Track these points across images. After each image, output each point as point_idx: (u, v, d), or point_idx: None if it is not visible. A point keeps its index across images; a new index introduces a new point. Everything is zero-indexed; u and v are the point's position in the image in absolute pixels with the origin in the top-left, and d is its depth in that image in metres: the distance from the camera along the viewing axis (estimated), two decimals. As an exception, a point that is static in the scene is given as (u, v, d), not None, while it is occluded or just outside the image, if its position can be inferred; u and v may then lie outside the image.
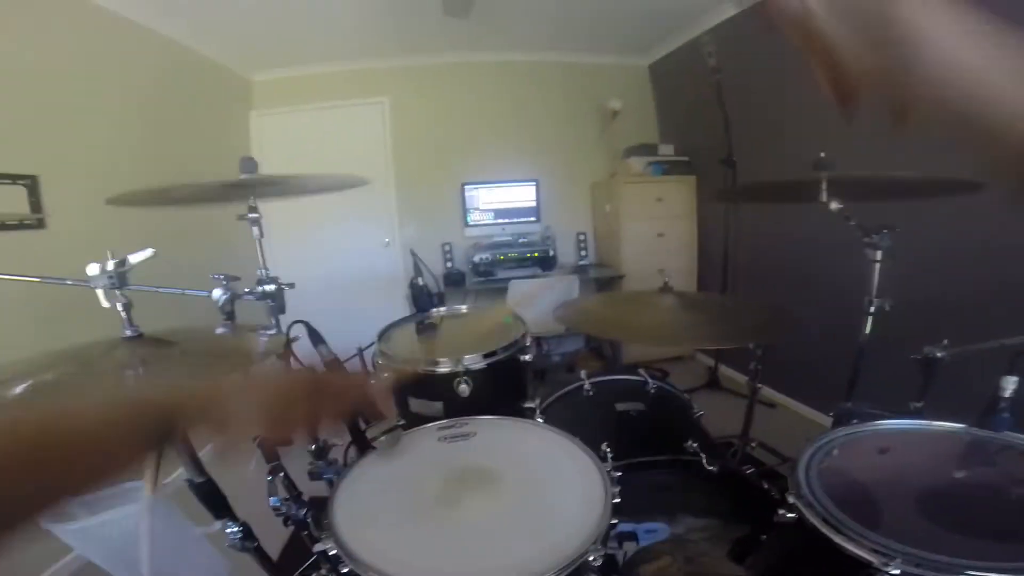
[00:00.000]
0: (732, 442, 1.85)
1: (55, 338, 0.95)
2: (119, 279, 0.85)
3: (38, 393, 0.79)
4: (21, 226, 1.91)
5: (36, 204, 1.94)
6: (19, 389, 0.78)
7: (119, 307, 0.85)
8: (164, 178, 1.29)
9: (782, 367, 2.63)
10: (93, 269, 0.85)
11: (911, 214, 1.37)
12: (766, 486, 1.27)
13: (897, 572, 0.67)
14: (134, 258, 0.87)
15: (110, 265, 0.85)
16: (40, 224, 1.97)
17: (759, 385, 1.67)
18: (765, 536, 1.11)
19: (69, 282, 0.98)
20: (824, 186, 1.31)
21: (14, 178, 1.87)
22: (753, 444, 1.71)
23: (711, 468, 1.19)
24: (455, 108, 3.96)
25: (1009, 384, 0.98)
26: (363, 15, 3.02)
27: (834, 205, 1.34)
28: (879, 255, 1.38)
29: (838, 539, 0.74)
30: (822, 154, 1.39)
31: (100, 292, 0.85)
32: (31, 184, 1.92)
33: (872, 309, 1.44)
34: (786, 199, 2.12)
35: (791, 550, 0.94)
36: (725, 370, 3.33)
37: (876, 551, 0.69)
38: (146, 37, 2.66)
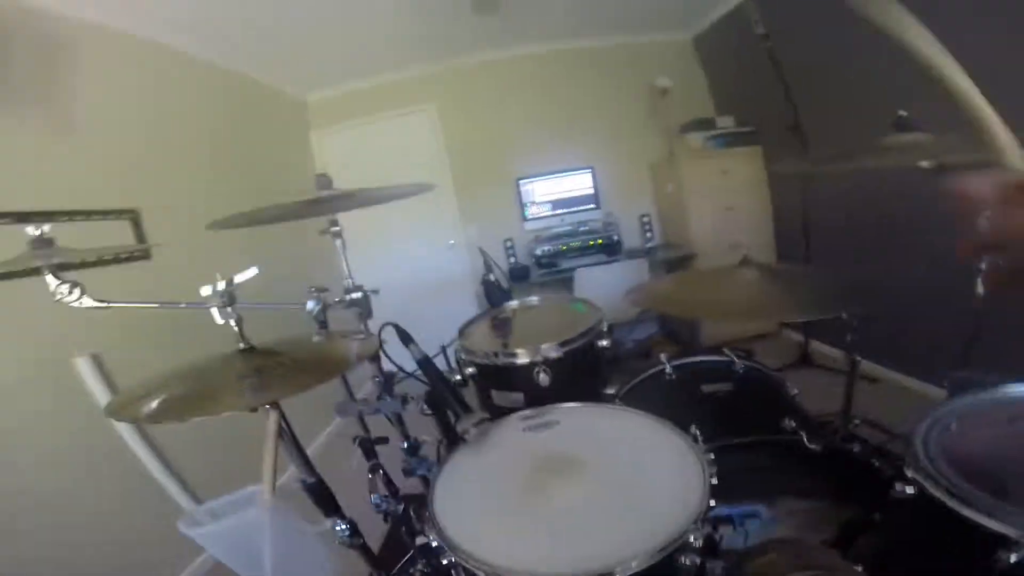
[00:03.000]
0: (831, 420, 1.74)
1: (173, 358, 1.07)
2: (229, 297, 0.94)
3: (172, 405, 0.89)
4: (131, 258, 2.14)
5: (140, 236, 2.17)
6: (155, 404, 0.88)
7: (232, 323, 0.94)
8: (245, 201, 1.41)
9: (883, 338, 2.43)
10: (206, 290, 0.94)
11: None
12: (876, 463, 1.18)
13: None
14: (239, 278, 0.96)
15: (220, 285, 0.94)
16: (146, 255, 2.20)
17: (858, 358, 1.55)
18: (877, 516, 1.05)
19: (183, 305, 1.10)
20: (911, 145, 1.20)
21: (119, 213, 2.11)
22: (856, 421, 1.60)
23: (813, 447, 1.13)
24: (500, 104, 3.99)
25: None
26: (397, 26, 3.12)
27: (923, 163, 1.23)
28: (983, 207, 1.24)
29: (967, 512, 0.68)
30: (901, 112, 1.28)
31: (215, 311, 0.94)
32: (134, 217, 2.16)
33: (983, 266, 1.30)
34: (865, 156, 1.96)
35: (908, 530, 0.88)
36: (817, 346, 3.13)
37: (1013, 524, 0.64)
38: (210, 72, 2.88)
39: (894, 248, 2.54)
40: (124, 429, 1.92)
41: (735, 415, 1.36)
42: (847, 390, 1.40)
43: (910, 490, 0.79)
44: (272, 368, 0.94)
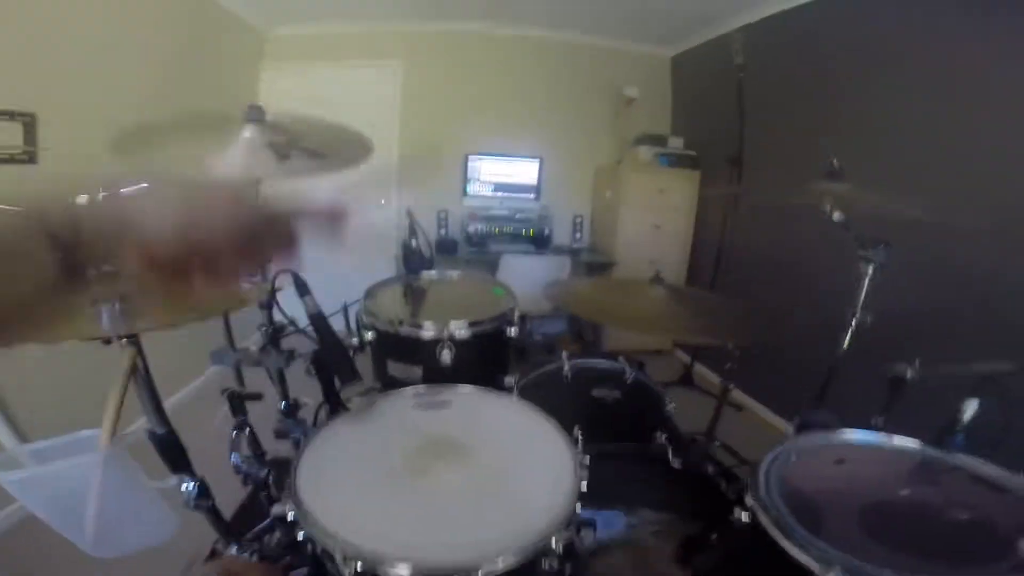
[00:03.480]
0: (697, 439, 1.90)
1: None
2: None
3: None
4: (12, 160, 1.88)
5: (31, 140, 1.91)
6: None
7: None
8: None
9: (755, 371, 2.66)
10: (81, 199, 0.82)
11: (902, 231, 1.38)
12: (723, 486, 1.30)
13: (836, 579, 0.70)
14: (127, 192, 0.84)
15: (100, 196, 0.82)
16: (31, 159, 1.93)
17: (731, 386, 1.70)
18: (714, 535, 1.15)
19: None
20: (830, 199, 1.31)
21: (12, 115, 1.85)
22: (717, 443, 1.75)
23: (675, 464, 1.22)
24: (467, 77, 3.90)
25: (969, 407, 1.01)
26: None
27: (837, 215, 1.35)
28: (871, 269, 1.39)
29: (785, 543, 0.76)
30: (835, 161, 1.39)
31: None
32: (29, 121, 1.90)
33: (854, 322, 1.46)
34: (789, 200, 2.13)
35: (737, 552, 0.98)
36: (700, 369, 3.38)
37: (818, 558, 0.72)
38: None
39: (786, 289, 2.79)
40: None
41: (617, 422, 1.43)
42: (715, 413, 1.53)
43: (746, 517, 0.87)
44: (139, 296, 0.84)
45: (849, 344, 1.50)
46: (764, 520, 0.81)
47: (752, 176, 2.98)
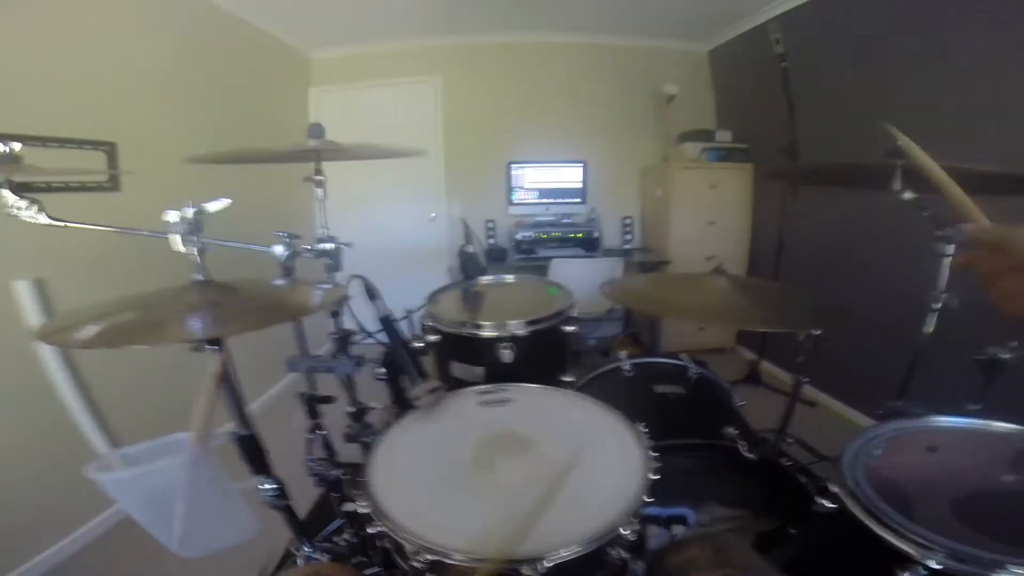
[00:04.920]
0: (768, 436, 1.81)
1: (129, 289, 1.02)
2: (196, 225, 0.91)
3: (113, 332, 0.84)
4: (100, 188, 2.07)
5: (113, 167, 2.10)
6: (92, 330, 0.82)
7: (195, 251, 0.91)
8: (231, 146, 1.36)
9: (826, 365, 2.52)
10: (172, 215, 0.91)
11: (985, 207, 1.28)
12: (803, 480, 1.24)
13: (938, 567, 0.65)
14: (211, 206, 0.92)
15: (189, 212, 0.90)
16: (115, 187, 2.13)
17: (806, 379, 1.61)
18: (794, 530, 1.10)
19: (145, 233, 1.05)
20: (899, 174, 1.24)
21: (96, 144, 2.03)
22: (790, 440, 1.67)
23: (750, 455, 1.17)
24: (506, 87, 3.95)
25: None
26: None
27: (908, 194, 1.27)
28: (951, 249, 1.30)
29: (879, 530, 0.72)
30: (899, 142, 1.32)
31: (177, 237, 0.90)
32: (110, 150, 2.09)
33: (938, 306, 1.36)
34: (853, 183, 2.02)
35: (821, 544, 0.93)
36: (767, 366, 3.24)
37: (917, 543, 0.68)
38: (209, 12, 2.77)
39: (855, 279, 2.64)
40: (51, 359, 1.80)
41: (682, 418, 1.40)
42: (787, 408, 1.46)
43: (831, 505, 0.83)
44: (226, 304, 0.91)
45: (934, 329, 1.40)
46: (854, 507, 0.77)
47: (810, 163, 2.85)
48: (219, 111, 2.81)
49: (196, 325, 0.86)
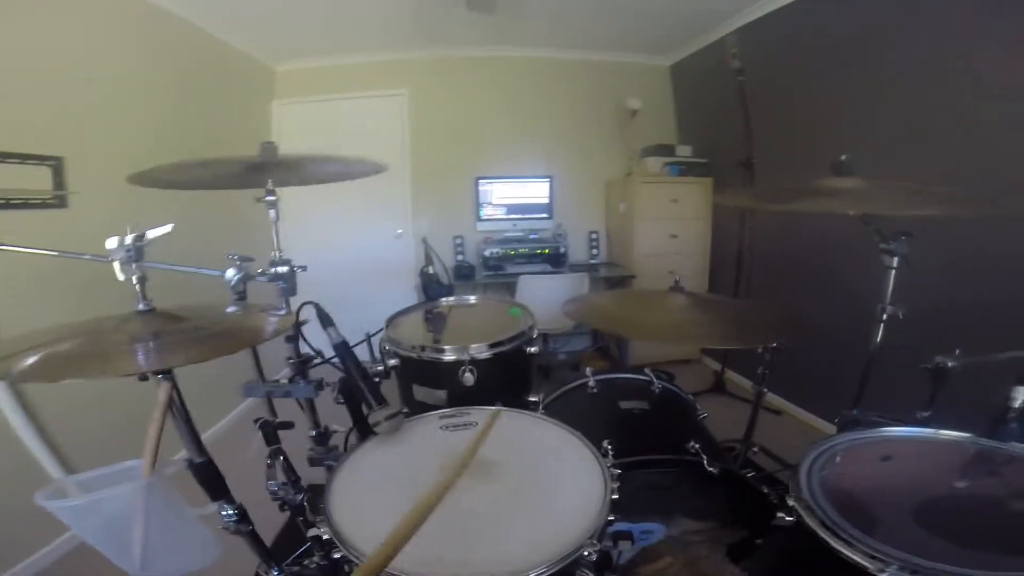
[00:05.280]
0: (734, 446, 1.84)
1: (73, 314, 0.97)
2: (136, 253, 0.87)
3: (50, 364, 0.80)
4: (44, 205, 1.96)
5: (60, 184, 1.99)
6: (32, 360, 0.79)
7: (134, 280, 0.87)
8: (187, 161, 1.31)
9: (789, 374, 2.59)
10: (112, 243, 0.87)
11: (929, 220, 1.36)
12: (765, 491, 1.26)
13: (892, 578, 0.66)
14: (152, 233, 0.89)
15: (128, 239, 0.86)
16: (62, 203, 2.01)
17: (765, 390, 1.65)
18: (760, 540, 1.11)
19: (87, 256, 1.00)
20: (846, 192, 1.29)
21: (41, 159, 1.92)
22: (755, 449, 1.69)
23: (711, 469, 1.18)
24: (473, 102, 3.97)
25: (1019, 394, 0.96)
26: (386, 7, 3.03)
27: (852, 211, 1.33)
28: (895, 262, 1.36)
29: (835, 543, 0.73)
30: (843, 156, 1.38)
31: (116, 265, 0.86)
32: (56, 165, 1.97)
33: (885, 316, 1.42)
34: (804, 201, 2.11)
35: (787, 555, 0.94)
36: (731, 375, 3.30)
37: (873, 556, 0.69)
38: (169, 23, 2.69)
39: (814, 289, 2.73)
40: None
41: (647, 433, 1.40)
42: (751, 419, 1.49)
43: (790, 518, 0.84)
44: (172, 334, 0.87)
45: (883, 339, 1.46)
46: (810, 521, 0.78)
47: (765, 178, 2.96)
48: (177, 124, 2.72)
49: (140, 357, 0.82)
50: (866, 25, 2.37)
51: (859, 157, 1.34)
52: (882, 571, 0.67)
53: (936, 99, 2.08)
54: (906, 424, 1.05)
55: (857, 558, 0.70)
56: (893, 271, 1.40)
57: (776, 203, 2.72)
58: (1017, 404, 0.98)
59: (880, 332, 1.45)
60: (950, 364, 1.23)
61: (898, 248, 1.36)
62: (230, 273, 1.09)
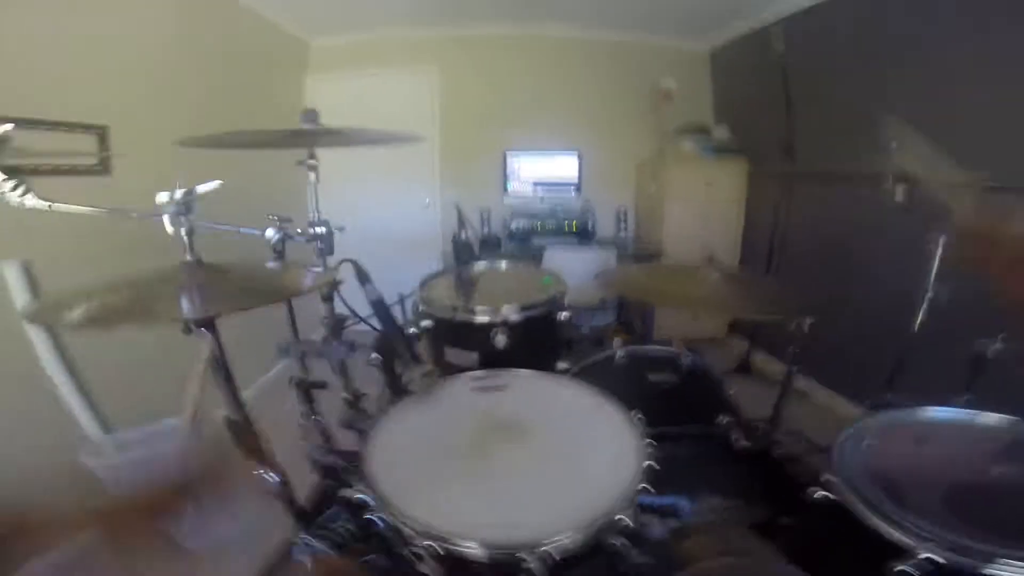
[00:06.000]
0: (759, 426, 1.83)
1: (118, 271, 1.00)
2: (185, 207, 0.89)
3: (97, 315, 0.82)
4: (90, 172, 2.03)
5: (105, 150, 2.06)
6: (78, 312, 0.81)
7: (183, 232, 0.89)
8: (225, 128, 1.33)
9: (820, 355, 2.55)
10: (162, 196, 0.89)
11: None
12: (793, 470, 1.25)
13: (933, 557, 0.65)
14: (201, 188, 0.90)
15: (178, 194, 0.88)
16: (106, 170, 2.08)
17: (795, 369, 1.63)
18: (787, 519, 1.10)
19: (134, 214, 1.03)
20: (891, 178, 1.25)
21: (87, 127, 1.99)
22: (783, 429, 1.68)
23: (743, 443, 1.18)
24: (503, 78, 3.94)
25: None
26: None
27: (899, 196, 1.28)
28: (941, 243, 1.31)
29: (875, 518, 0.72)
30: (893, 144, 1.33)
31: (167, 218, 0.88)
32: (101, 133, 2.04)
33: (927, 299, 1.37)
34: (848, 183, 2.05)
35: (816, 533, 0.94)
36: (759, 356, 3.26)
37: (913, 533, 0.68)
38: None
39: (851, 272, 2.66)
40: (39, 340, 1.75)
41: (675, 406, 1.40)
42: (779, 398, 1.47)
43: (824, 494, 0.83)
44: (216, 284, 0.89)
45: (923, 322, 1.41)
46: (847, 496, 0.78)
47: (805, 164, 2.88)
48: (214, 95, 2.75)
49: (186, 305, 0.85)
50: (914, 17, 2.26)
51: (909, 143, 1.29)
52: (922, 549, 0.66)
53: (995, 84, 1.97)
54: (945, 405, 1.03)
55: (899, 534, 0.69)
56: (938, 254, 1.35)
57: (814, 186, 2.66)
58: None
59: (921, 314, 1.41)
60: (993, 349, 1.20)
61: (945, 229, 1.31)
62: (270, 232, 1.11)
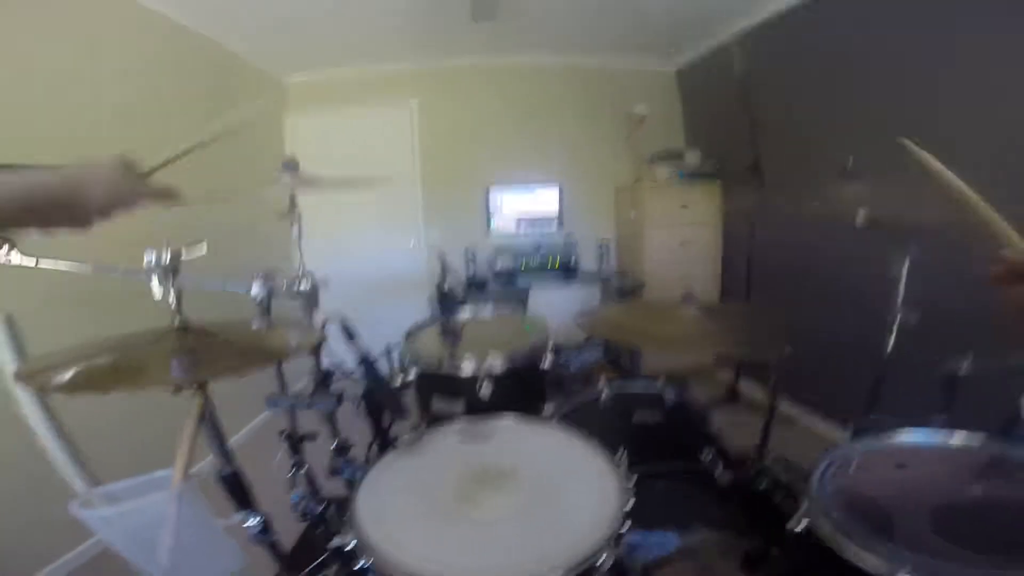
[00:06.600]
0: (749, 456, 1.84)
1: (102, 328, 1.01)
2: (172, 270, 0.91)
3: (88, 378, 0.84)
4: None
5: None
6: (69, 374, 0.83)
7: (171, 298, 0.91)
8: (207, 177, 1.36)
9: (803, 380, 2.59)
10: (148, 257, 0.91)
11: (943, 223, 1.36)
12: (779, 499, 1.27)
13: (906, 581, 0.67)
14: (187, 253, 0.93)
15: (165, 255, 0.91)
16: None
17: (777, 398, 1.66)
18: (777, 549, 1.11)
19: (121, 272, 1.05)
20: (851, 200, 1.31)
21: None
22: (770, 458, 1.70)
23: (726, 478, 1.20)
24: (481, 111, 4.01)
25: (1029, 400, 0.97)
26: (392, 19, 3.10)
27: (859, 221, 1.34)
28: (905, 266, 1.37)
29: (850, 547, 0.74)
30: (850, 160, 1.39)
31: (154, 282, 0.91)
32: None
33: (896, 322, 1.42)
34: (811, 206, 2.11)
35: (801, 562, 0.95)
36: (745, 384, 3.29)
37: (885, 558, 0.70)
38: (184, 36, 2.78)
39: (824, 294, 2.71)
40: (26, 398, 1.77)
41: (660, 443, 1.42)
42: (764, 427, 1.49)
43: (803, 525, 0.85)
44: (204, 349, 0.91)
45: (895, 345, 1.46)
46: (823, 526, 0.80)
47: (773, 183, 2.96)
48: (192, 136, 2.79)
49: (176, 369, 0.87)
50: (872, 28, 2.38)
51: (871, 159, 1.35)
52: (895, 573, 0.68)
53: (946, 101, 2.08)
54: (919, 428, 1.06)
55: (871, 562, 0.71)
56: (904, 276, 1.40)
57: (787, 206, 2.74)
58: (1028, 410, 0.98)
59: (893, 338, 1.45)
60: (962, 369, 1.24)
61: (909, 253, 1.36)
62: (256, 289, 1.14)
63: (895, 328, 1.44)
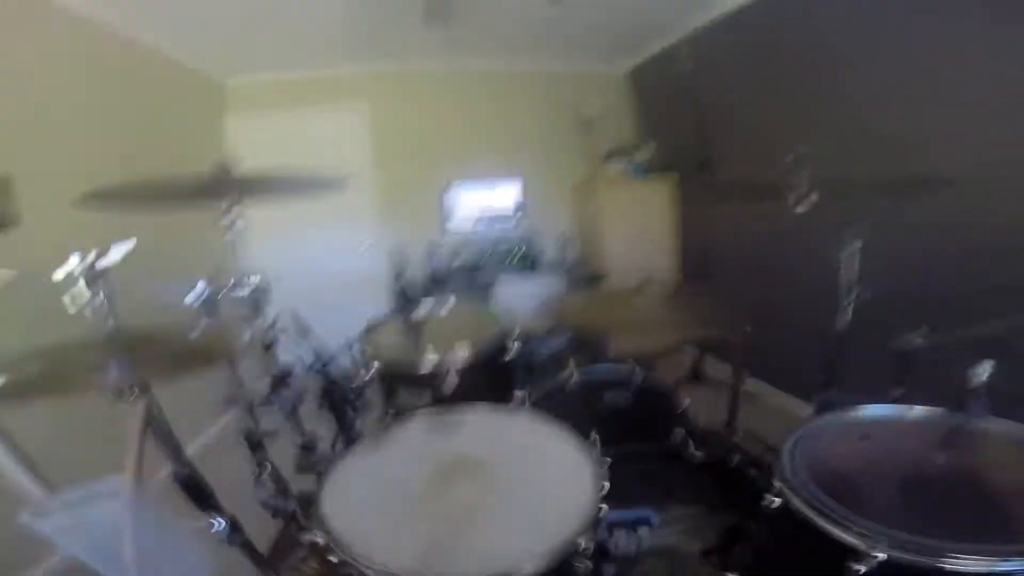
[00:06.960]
0: (717, 432, 1.87)
1: (37, 335, 0.92)
2: (100, 271, 0.82)
3: (17, 388, 0.77)
4: None
5: (8, 201, 1.88)
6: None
7: (101, 298, 0.82)
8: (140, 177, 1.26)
9: (765, 358, 2.65)
10: (73, 261, 0.81)
11: (891, 205, 1.40)
12: (751, 474, 1.29)
13: (883, 556, 0.68)
14: (116, 251, 0.83)
15: (90, 258, 0.80)
16: (11, 223, 1.91)
17: (742, 375, 1.69)
18: (752, 525, 1.13)
19: (48, 280, 0.94)
20: (796, 187, 1.33)
21: None
22: (739, 434, 1.73)
23: (697, 455, 1.21)
24: (435, 113, 3.97)
25: (984, 369, 1.00)
26: (341, 21, 2.98)
27: (800, 208, 1.37)
28: (856, 247, 1.41)
29: (824, 523, 0.75)
30: (798, 147, 1.42)
31: (81, 283, 0.81)
32: (3, 184, 1.87)
33: (849, 300, 1.46)
34: (764, 198, 2.17)
35: (775, 539, 0.96)
36: (709, 364, 3.36)
37: (862, 534, 0.70)
38: (113, 40, 2.60)
39: (781, 275, 2.79)
40: None
41: (632, 424, 1.42)
42: (731, 404, 1.52)
43: (777, 501, 0.85)
44: (143, 352, 0.83)
45: (853, 321, 1.50)
46: (796, 502, 0.80)
47: (725, 173, 3.03)
48: (125, 142, 2.61)
49: (111, 377, 0.79)
50: (819, 25, 2.44)
51: (814, 148, 1.39)
52: (872, 548, 0.68)
53: (890, 95, 2.16)
54: (880, 403, 1.08)
55: (847, 537, 0.71)
56: (855, 255, 1.44)
57: (733, 200, 2.81)
58: (983, 379, 1.01)
59: (848, 315, 1.49)
60: (917, 343, 1.28)
61: (855, 234, 1.40)
62: (189, 298, 1.06)
63: (849, 306, 1.48)
